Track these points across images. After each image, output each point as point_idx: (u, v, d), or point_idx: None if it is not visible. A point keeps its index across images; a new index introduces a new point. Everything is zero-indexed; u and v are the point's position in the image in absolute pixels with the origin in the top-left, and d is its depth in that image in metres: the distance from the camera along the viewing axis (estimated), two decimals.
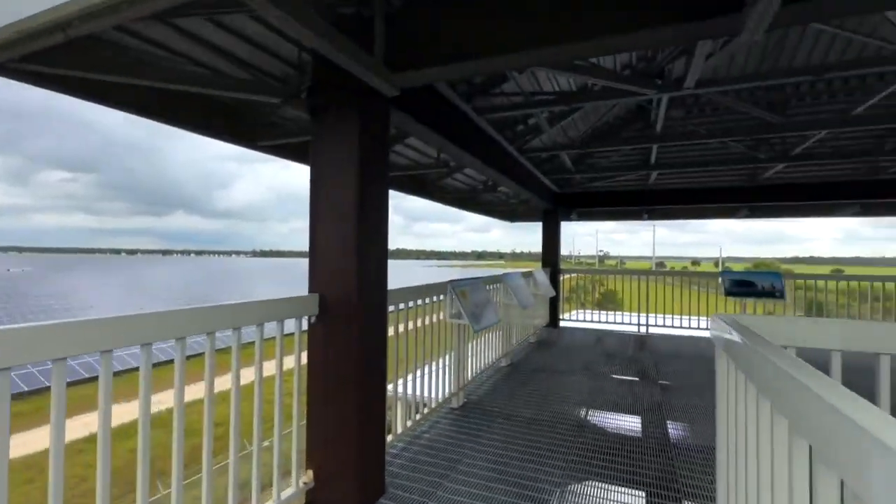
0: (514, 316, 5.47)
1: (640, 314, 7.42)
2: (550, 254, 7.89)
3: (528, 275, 6.13)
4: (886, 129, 5.47)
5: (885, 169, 6.03)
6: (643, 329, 7.41)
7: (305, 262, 2.25)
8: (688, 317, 7.33)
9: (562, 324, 8.00)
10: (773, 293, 6.49)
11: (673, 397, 4.01)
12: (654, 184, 7.31)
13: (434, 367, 3.35)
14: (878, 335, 1.44)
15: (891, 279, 6.57)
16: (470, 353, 4.01)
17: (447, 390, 3.56)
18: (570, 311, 9.20)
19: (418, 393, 3.20)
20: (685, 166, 6.09)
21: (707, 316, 7.25)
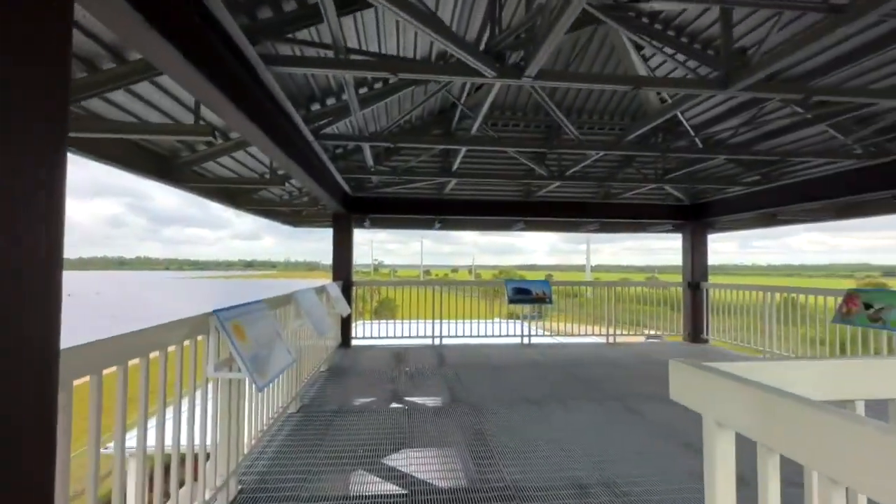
0: (306, 342, 4.35)
1: (434, 322, 7.24)
2: (342, 264, 6.97)
3: (321, 290, 5.06)
4: (619, 159, 6.67)
5: (615, 195, 7.45)
6: (437, 340, 7.25)
7: None
8: (466, 321, 7.55)
9: (354, 342, 7.15)
10: (544, 299, 7.21)
11: (490, 422, 3.65)
12: (448, 193, 7.27)
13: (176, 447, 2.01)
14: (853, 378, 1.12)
15: (585, 283, 8.27)
16: (247, 413, 2.74)
17: (205, 490, 2.23)
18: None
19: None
20: (479, 177, 6.15)
21: (481, 319, 7.60)
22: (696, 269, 7.56)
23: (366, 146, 4.72)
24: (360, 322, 8.35)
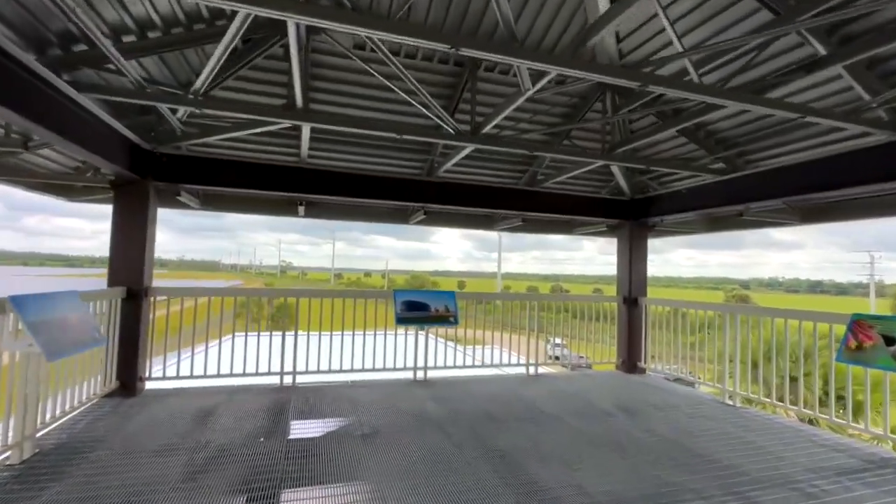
0: None
1: (285, 343, 4.85)
2: (130, 260, 4.30)
3: None
4: (556, 121, 4.90)
5: (541, 182, 5.71)
6: (287, 378, 4.85)
7: None
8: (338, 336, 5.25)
9: (150, 385, 4.50)
10: (448, 318, 5.18)
11: None
12: (312, 161, 4.97)
13: None
14: None
15: (526, 296, 6.51)
16: None
17: None
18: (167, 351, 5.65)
19: None
20: (352, 125, 3.94)
21: (367, 330, 5.35)
22: (634, 280, 6.06)
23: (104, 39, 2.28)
24: (213, 345, 5.58)
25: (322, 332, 5.19)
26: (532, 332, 5.87)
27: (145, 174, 4.32)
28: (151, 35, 3.17)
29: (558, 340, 7.21)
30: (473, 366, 5.66)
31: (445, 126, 3.90)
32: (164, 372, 4.53)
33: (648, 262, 6.17)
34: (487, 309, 6.16)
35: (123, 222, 4.31)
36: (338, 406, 4.16)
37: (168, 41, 3.21)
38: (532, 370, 5.73)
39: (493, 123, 3.69)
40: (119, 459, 2.89)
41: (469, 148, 4.16)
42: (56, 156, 4.48)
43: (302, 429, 3.55)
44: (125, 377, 4.22)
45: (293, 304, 5.31)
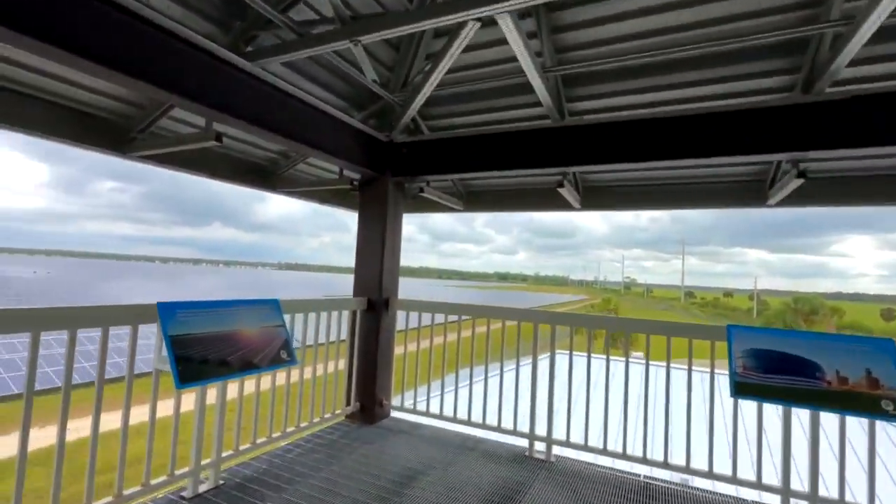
0: None
1: (537, 388, 3.22)
2: (371, 269, 3.81)
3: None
4: None
5: None
6: (539, 445, 3.20)
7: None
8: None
9: (396, 415, 3.88)
10: (877, 403, 2.21)
11: None
12: (577, 118, 3.25)
13: None
14: None
15: None
16: None
17: None
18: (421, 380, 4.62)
19: None
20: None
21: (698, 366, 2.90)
22: None
23: None
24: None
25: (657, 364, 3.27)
26: None
27: (383, 170, 3.78)
28: None
29: None
30: None
31: None
32: (402, 402, 3.80)
33: None
34: None
35: (364, 226, 3.89)
36: None
37: None
38: None
39: None
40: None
41: None
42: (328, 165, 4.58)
43: None
44: (363, 399, 3.71)
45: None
